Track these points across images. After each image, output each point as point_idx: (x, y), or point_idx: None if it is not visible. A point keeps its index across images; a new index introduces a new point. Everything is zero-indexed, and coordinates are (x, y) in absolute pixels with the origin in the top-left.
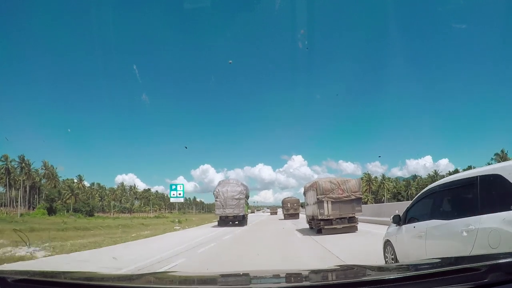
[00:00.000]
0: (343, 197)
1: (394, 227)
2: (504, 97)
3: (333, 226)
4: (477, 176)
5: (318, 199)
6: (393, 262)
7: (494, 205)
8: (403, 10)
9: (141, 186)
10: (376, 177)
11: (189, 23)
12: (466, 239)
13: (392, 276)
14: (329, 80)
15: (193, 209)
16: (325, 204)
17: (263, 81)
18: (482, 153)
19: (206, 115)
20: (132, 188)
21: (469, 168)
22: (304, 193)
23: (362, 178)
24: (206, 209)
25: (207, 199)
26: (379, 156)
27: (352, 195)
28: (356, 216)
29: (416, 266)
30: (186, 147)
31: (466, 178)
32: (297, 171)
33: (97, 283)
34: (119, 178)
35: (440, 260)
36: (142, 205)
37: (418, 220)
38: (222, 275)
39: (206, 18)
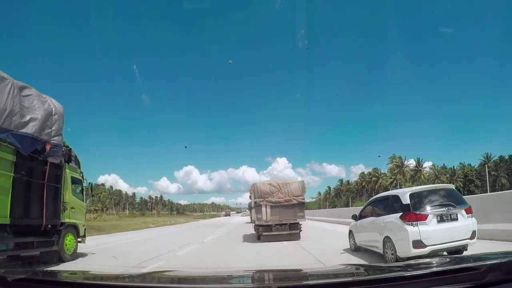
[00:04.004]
0: (283, 201)
1: (354, 222)
2: (489, 100)
3: (273, 233)
4: (389, 195)
5: (256, 202)
6: (354, 244)
7: (394, 210)
8: (402, 11)
9: (123, 187)
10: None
11: (189, 24)
12: (383, 226)
13: (392, 275)
14: (314, 85)
15: (155, 209)
16: (263, 209)
17: (249, 85)
18: (465, 154)
19: (190, 117)
20: None
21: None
22: (250, 197)
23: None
24: (176, 210)
25: (192, 200)
26: (379, 156)
27: (294, 199)
28: (301, 223)
29: (416, 266)
30: (186, 147)
31: (386, 195)
32: (281, 174)
33: (97, 282)
34: (102, 179)
35: (440, 259)
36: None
37: (364, 218)
38: (222, 274)
39: (206, 18)
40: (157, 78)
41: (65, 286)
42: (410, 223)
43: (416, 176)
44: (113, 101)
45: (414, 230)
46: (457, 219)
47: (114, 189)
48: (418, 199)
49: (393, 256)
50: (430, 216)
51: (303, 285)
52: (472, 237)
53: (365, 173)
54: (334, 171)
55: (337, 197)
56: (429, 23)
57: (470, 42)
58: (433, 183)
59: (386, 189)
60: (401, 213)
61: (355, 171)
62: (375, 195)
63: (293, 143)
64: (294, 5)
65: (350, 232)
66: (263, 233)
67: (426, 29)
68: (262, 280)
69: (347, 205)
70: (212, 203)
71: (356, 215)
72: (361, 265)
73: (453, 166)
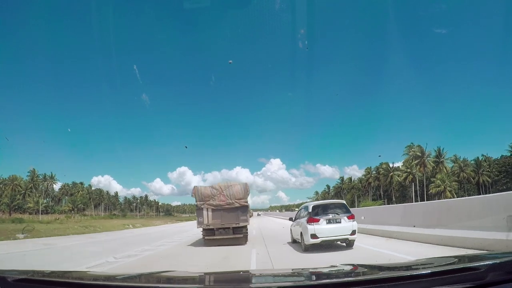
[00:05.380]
0: (225, 205)
1: (291, 223)
2: (489, 98)
3: (215, 237)
4: (306, 205)
5: (197, 206)
6: (292, 237)
7: (305, 215)
8: (403, 11)
9: (117, 188)
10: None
11: (189, 23)
12: (300, 226)
13: (392, 275)
14: (311, 85)
15: (139, 211)
16: (204, 212)
17: (247, 86)
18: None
19: (186, 118)
20: (48, 178)
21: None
22: None
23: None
24: (166, 211)
25: (184, 201)
26: (379, 156)
27: (236, 202)
28: (248, 226)
29: (416, 265)
30: (186, 147)
31: (305, 205)
32: (274, 174)
33: (97, 282)
34: (95, 180)
35: (440, 259)
36: (58, 203)
37: (296, 220)
38: (222, 274)
39: (206, 18)
40: (156, 78)
41: (65, 286)
42: (310, 223)
43: (437, 168)
44: (110, 102)
45: (311, 228)
46: (340, 222)
47: (93, 188)
48: (317, 209)
49: (303, 244)
50: (321, 220)
51: (308, 285)
52: (352, 234)
53: (371, 168)
54: (328, 172)
55: (337, 196)
56: (428, 22)
57: (472, 40)
58: (458, 177)
59: (402, 186)
60: (307, 217)
61: (349, 172)
62: (383, 192)
63: (287, 144)
64: (294, 5)
65: (290, 229)
66: (206, 237)
67: (424, 29)
68: (261, 280)
69: (352, 204)
70: None
71: (292, 218)
72: (361, 265)
73: (478, 158)
